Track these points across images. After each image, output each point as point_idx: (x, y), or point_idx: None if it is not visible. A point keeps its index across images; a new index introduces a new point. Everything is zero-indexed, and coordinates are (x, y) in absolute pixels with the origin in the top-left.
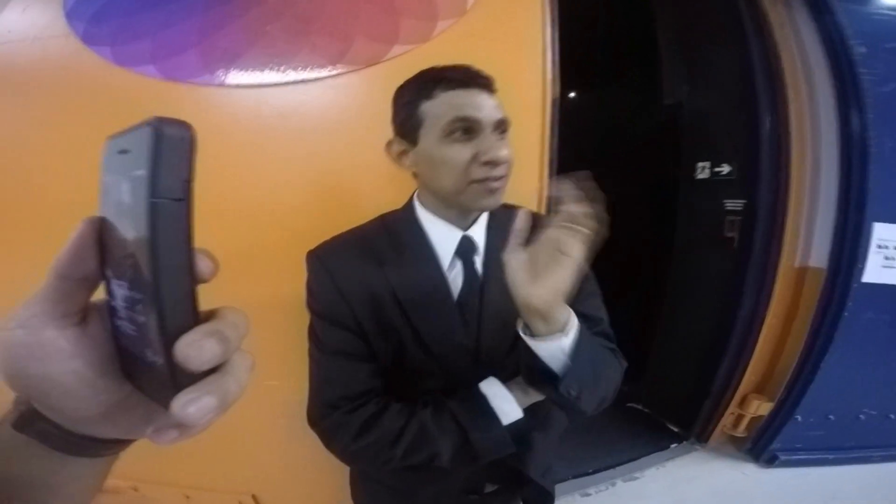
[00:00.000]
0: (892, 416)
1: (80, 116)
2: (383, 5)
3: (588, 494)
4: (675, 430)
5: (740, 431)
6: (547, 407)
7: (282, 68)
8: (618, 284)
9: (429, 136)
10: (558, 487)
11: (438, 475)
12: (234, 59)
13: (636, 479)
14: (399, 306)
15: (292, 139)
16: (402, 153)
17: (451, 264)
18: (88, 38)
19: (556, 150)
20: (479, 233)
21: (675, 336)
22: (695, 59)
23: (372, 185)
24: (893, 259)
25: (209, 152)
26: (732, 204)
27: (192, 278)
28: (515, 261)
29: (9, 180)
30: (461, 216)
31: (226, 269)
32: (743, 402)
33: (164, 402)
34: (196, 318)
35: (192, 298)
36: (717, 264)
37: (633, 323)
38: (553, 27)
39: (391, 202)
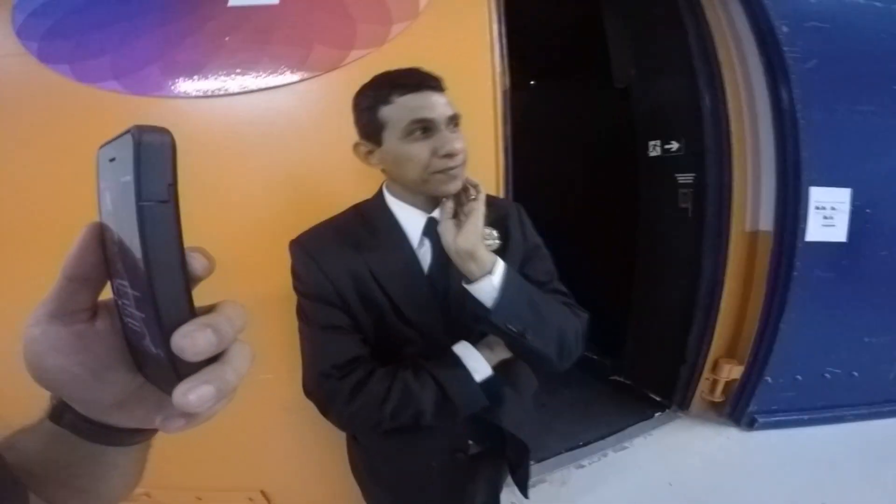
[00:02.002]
0: (856, 374)
1: (44, 133)
2: (338, 12)
3: (582, 466)
4: (658, 399)
5: (717, 396)
6: (516, 365)
7: (244, 78)
8: (595, 262)
9: (391, 137)
10: (553, 461)
11: (426, 437)
12: (195, 71)
13: (626, 448)
14: (377, 282)
15: (260, 145)
16: (369, 153)
17: (420, 243)
18: (44, 56)
19: (509, 136)
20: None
21: (647, 307)
22: (639, 42)
23: (339, 181)
24: (831, 219)
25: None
26: (684, 178)
27: (185, 275)
28: (445, 226)
29: None
30: (427, 201)
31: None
32: (715, 366)
33: (170, 392)
34: (191, 312)
35: (186, 293)
36: (677, 235)
37: (612, 297)
38: (500, 23)
39: (358, 196)
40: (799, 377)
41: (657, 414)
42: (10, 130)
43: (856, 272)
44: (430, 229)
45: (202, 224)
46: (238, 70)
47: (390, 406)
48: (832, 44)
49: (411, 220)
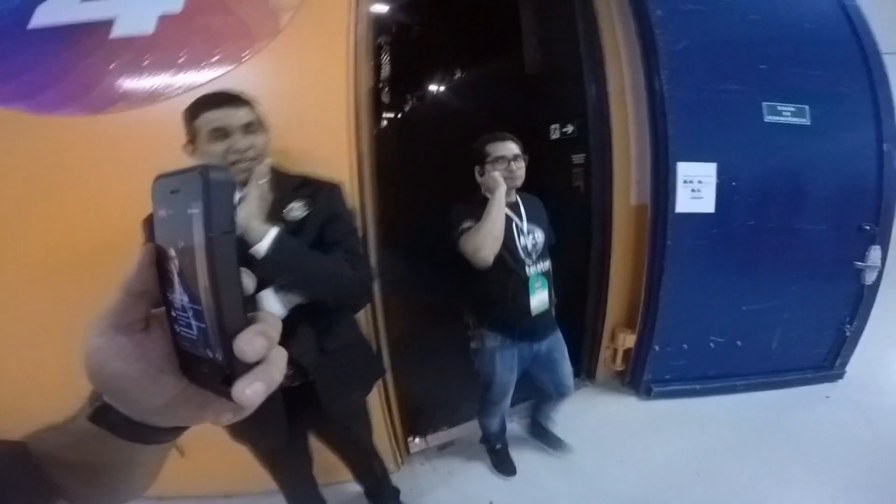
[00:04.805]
0: (739, 343)
1: None
2: (206, 32)
3: None
4: None
5: (618, 365)
6: (335, 321)
7: (126, 97)
8: None
9: (202, 139)
10: (464, 427)
11: None
12: (85, 93)
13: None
14: None
15: (142, 150)
16: (194, 151)
17: None
18: None
19: (366, 128)
20: None
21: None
22: (544, 31)
23: None
24: (699, 191)
25: (73, 165)
26: (577, 158)
27: (241, 291)
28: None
29: None
30: (239, 185)
31: None
32: (613, 336)
33: (219, 391)
34: (246, 321)
35: (243, 306)
36: (572, 211)
37: None
38: (365, 27)
39: None
40: (685, 346)
41: None
42: None
43: (726, 242)
44: None
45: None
46: (121, 92)
47: None
48: (704, 26)
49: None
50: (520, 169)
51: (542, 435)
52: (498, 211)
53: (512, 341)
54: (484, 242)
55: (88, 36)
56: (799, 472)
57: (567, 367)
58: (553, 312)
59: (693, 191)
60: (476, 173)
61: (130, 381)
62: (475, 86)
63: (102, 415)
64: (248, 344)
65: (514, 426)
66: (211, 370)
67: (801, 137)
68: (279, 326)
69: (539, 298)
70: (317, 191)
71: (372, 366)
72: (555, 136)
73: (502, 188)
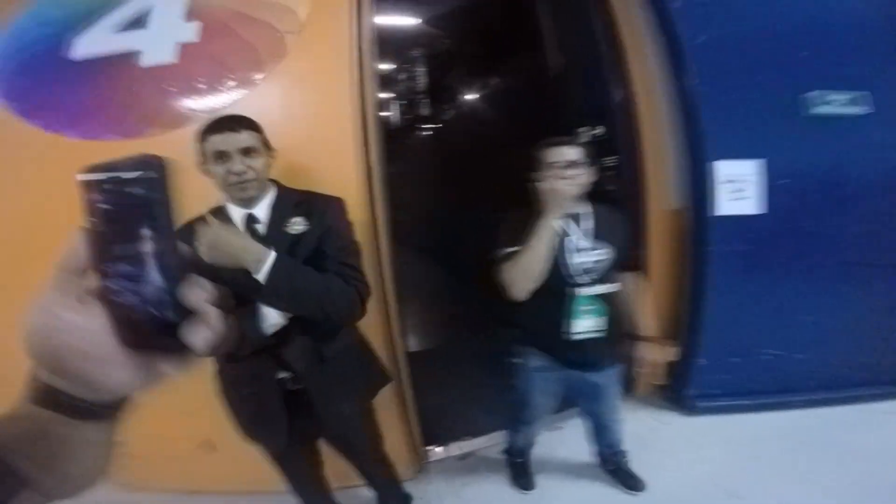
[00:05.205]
0: (800, 356)
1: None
2: (220, 58)
3: None
4: None
5: (659, 379)
6: (333, 332)
7: (157, 123)
8: None
9: (209, 160)
10: (487, 439)
11: (247, 364)
12: (124, 120)
13: (560, 429)
14: None
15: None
16: (206, 171)
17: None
18: (25, 115)
19: (375, 140)
20: (262, 210)
21: None
22: (562, 31)
23: None
24: (742, 191)
25: None
26: (609, 161)
27: (182, 253)
28: None
29: None
30: (243, 203)
31: None
32: None
33: (167, 346)
34: (187, 277)
35: (184, 266)
36: None
37: None
38: (370, 41)
39: None
40: (735, 359)
41: None
42: None
43: (778, 245)
44: (249, 221)
45: None
46: (152, 116)
47: None
48: (728, 14)
49: (237, 214)
50: (577, 177)
51: (612, 471)
52: (540, 245)
53: (559, 365)
54: (518, 281)
55: (121, 66)
56: (859, 495)
57: (608, 404)
58: (611, 342)
59: (735, 191)
60: (533, 182)
61: (83, 356)
62: (503, 92)
63: (47, 396)
64: (193, 292)
65: (542, 439)
66: (160, 329)
67: (855, 128)
68: (209, 284)
69: (584, 324)
70: (316, 205)
71: (370, 375)
72: (585, 139)
73: (551, 217)
